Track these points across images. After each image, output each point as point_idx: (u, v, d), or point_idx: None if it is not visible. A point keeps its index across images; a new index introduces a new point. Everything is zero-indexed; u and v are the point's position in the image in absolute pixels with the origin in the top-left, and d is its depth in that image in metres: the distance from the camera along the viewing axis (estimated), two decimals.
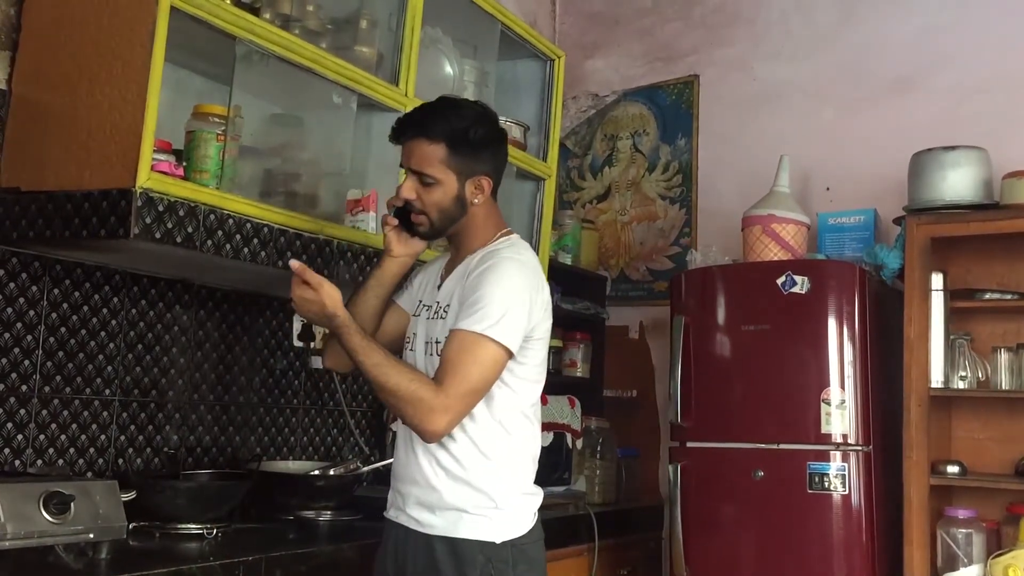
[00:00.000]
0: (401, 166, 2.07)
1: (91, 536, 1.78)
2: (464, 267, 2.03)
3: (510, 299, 1.92)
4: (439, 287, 2.09)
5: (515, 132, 3.14)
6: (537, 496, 2.05)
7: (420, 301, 2.13)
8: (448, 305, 2.00)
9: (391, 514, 2.06)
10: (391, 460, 2.81)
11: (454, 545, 1.92)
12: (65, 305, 2.34)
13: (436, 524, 1.95)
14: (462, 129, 1.98)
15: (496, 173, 2.07)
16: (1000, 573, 2.69)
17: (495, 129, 2.07)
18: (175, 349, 2.61)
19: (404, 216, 2.07)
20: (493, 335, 1.88)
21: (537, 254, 3.15)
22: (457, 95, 2.96)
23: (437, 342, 1.99)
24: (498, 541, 1.93)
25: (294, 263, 1.97)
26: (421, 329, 2.07)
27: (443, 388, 1.86)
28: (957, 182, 2.99)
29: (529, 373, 2.02)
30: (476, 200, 2.02)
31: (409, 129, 2.02)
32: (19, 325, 2.24)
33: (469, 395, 1.89)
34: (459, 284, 2.00)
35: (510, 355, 1.93)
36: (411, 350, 2.08)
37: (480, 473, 1.95)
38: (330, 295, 1.94)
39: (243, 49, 2.22)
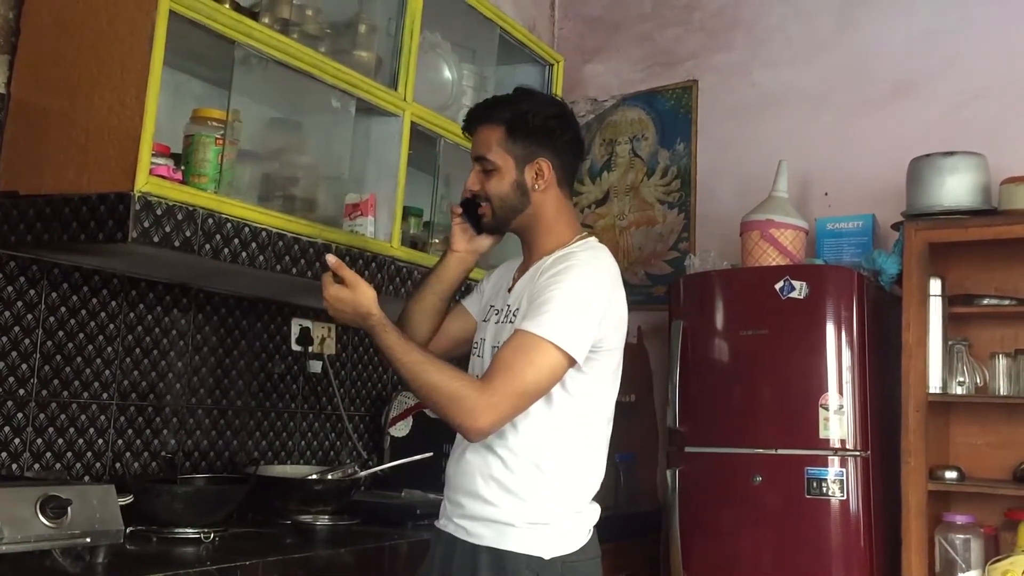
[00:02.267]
0: (472, 157, 2.02)
1: (88, 540, 1.78)
2: (536, 268, 1.94)
3: (579, 304, 1.83)
4: (510, 290, 2.00)
5: None
6: (594, 513, 1.94)
7: (491, 306, 2.05)
8: (518, 308, 1.91)
9: (440, 523, 1.98)
10: (389, 464, 2.83)
11: (500, 557, 1.83)
12: (63, 309, 2.34)
13: (484, 535, 1.86)
14: (522, 112, 1.94)
15: (560, 160, 1.97)
16: None
17: (561, 117, 1.99)
18: (173, 353, 2.60)
19: (472, 211, 2.02)
20: (555, 339, 1.78)
21: None
22: (457, 96, 2.98)
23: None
24: (547, 557, 1.83)
25: (331, 258, 1.89)
26: (490, 334, 1.98)
27: (490, 385, 1.77)
28: (955, 188, 2.99)
29: (594, 385, 1.91)
30: (537, 186, 1.95)
31: (474, 116, 2.01)
32: (17, 329, 2.24)
33: (518, 396, 1.79)
34: (529, 286, 1.90)
35: (572, 363, 1.83)
36: (479, 356, 2.00)
37: (532, 486, 1.85)
38: (365, 294, 1.86)
39: (242, 53, 2.23)
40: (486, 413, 1.76)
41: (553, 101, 2.07)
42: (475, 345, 2.05)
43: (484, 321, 2.05)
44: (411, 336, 1.98)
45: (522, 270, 2.02)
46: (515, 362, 1.78)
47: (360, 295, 1.87)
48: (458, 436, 1.94)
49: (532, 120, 1.94)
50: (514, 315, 1.91)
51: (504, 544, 1.84)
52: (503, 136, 1.94)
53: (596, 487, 1.94)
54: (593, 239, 2.00)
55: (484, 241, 2.09)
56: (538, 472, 1.85)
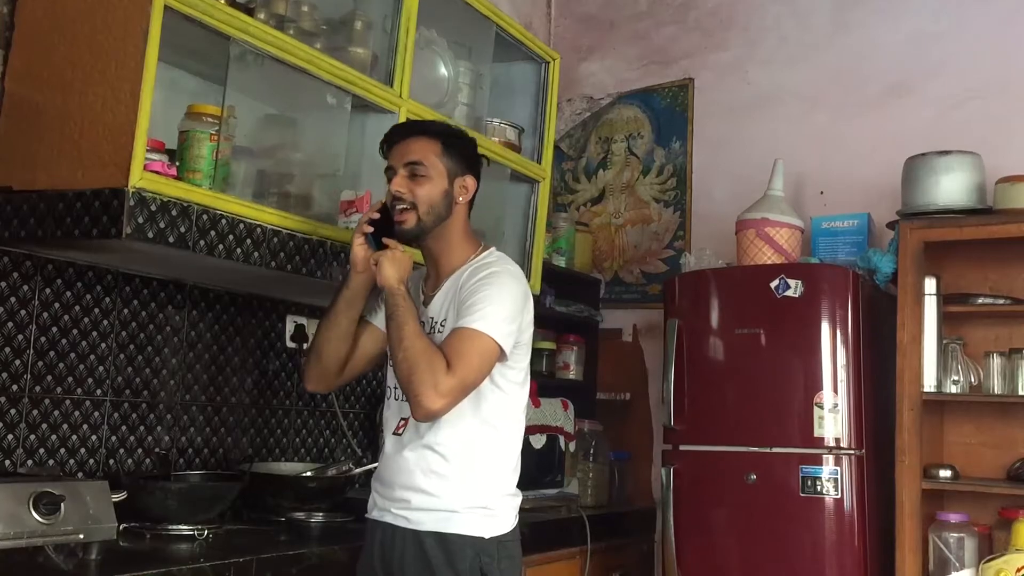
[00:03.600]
0: (388, 168, 2.13)
1: (81, 537, 1.78)
2: (454, 282, 2.09)
3: (507, 304, 2.01)
4: (425, 303, 2.13)
5: (509, 134, 3.14)
6: (519, 497, 2.12)
7: None
8: (444, 319, 2.06)
9: (375, 515, 2.10)
10: None
11: (445, 540, 1.98)
12: (56, 305, 2.33)
13: (426, 521, 2.00)
14: (456, 131, 2.16)
15: (476, 185, 2.16)
16: None
17: (476, 148, 2.21)
18: (167, 349, 2.60)
19: (379, 229, 2.09)
20: (492, 333, 1.97)
21: (531, 256, 3.21)
22: (453, 93, 2.97)
23: None
24: (487, 536, 2.00)
25: (389, 241, 2.06)
26: None
27: (452, 370, 1.92)
28: (950, 187, 3.00)
29: (517, 377, 2.10)
30: (461, 198, 2.12)
31: (406, 129, 2.16)
32: (10, 324, 2.23)
33: (468, 385, 1.96)
34: (453, 298, 2.06)
35: (502, 355, 2.01)
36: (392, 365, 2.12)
37: (471, 474, 2.01)
38: (409, 260, 2.05)
39: (237, 49, 2.22)
40: (441, 397, 1.91)
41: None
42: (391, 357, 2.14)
43: None
44: (329, 361, 2.17)
45: (434, 283, 2.15)
46: (467, 352, 1.95)
47: (408, 259, 2.06)
48: (391, 438, 2.08)
49: (461, 143, 2.15)
50: (442, 326, 2.06)
51: (448, 528, 1.98)
52: (440, 148, 2.10)
53: (518, 472, 2.12)
54: (494, 248, 2.18)
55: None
56: (474, 461, 2.02)
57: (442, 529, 1.98)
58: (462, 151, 2.13)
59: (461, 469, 2.00)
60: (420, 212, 2.07)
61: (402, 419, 2.09)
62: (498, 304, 1.99)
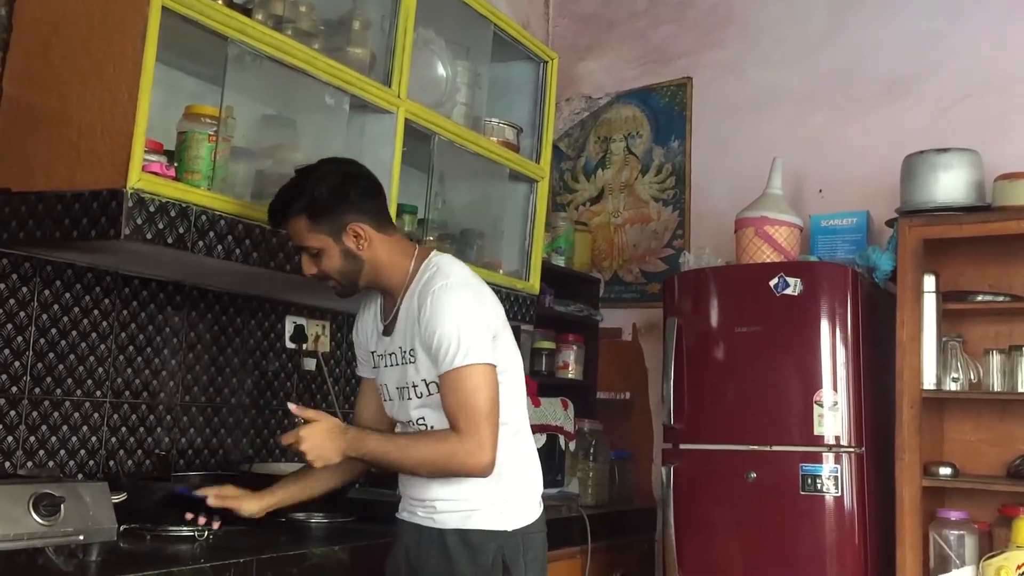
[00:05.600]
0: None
1: (81, 538, 1.77)
2: (407, 309, 2.04)
3: (463, 323, 1.95)
4: (386, 334, 2.11)
5: (508, 134, 3.14)
6: (540, 486, 2.12)
7: (373, 352, 2.16)
8: (412, 349, 2.03)
9: (403, 515, 2.12)
10: None
11: (467, 535, 1.99)
12: (56, 306, 2.33)
13: (450, 520, 2.01)
14: (308, 196, 2.01)
15: (364, 213, 2.05)
16: (992, 575, 2.69)
17: (342, 176, 2.06)
18: (166, 351, 2.60)
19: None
20: (473, 361, 1.94)
21: (530, 256, 3.21)
22: (451, 93, 2.97)
23: (414, 385, 2.03)
24: (509, 529, 2.01)
25: (292, 407, 1.98)
26: (391, 378, 2.10)
27: (463, 430, 1.92)
28: (949, 184, 3.00)
29: (508, 364, 2.07)
30: (362, 247, 2.04)
31: (274, 216, 2.08)
32: (9, 326, 2.23)
33: (489, 420, 1.94)
34: (412, 328, 2.02)
35: (494, 366, 1.99)
36: (388, 399, 2.13)
37: (495, 476, 1.99)
38: (330, 418, 1.97)
39: (235, 50, 2.22)
40: (478, 453, 1.92)
41: (328, 166, 2.08)
42: (380, 389, 2.16)
43: (375, 368, 2.16)
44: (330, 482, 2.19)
45: (389, 309, 2.11)
46: (465, 400, 1.93)
47: (327, 421, 1.96)
48: None
49: (320, 196, 2.01)
50: (412, 355, 2.02)
51: (470, 524, 2.00)
52: (308, 223, 2.02)
53: (536, 460, 2.13)
54: (434, 256, 2.09)
55: (257, 503, 2.13)
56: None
57: (464, 526, 1.99)
58: (327, 208, 2.01)
59: None
60: (337, 280, 2.06)
61: (399, 424, 2.12)
62: (454, 325, 1.94)
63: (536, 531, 2.07)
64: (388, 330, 2.11)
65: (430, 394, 2.01)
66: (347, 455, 1.97)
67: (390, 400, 2.12)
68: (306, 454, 1.94)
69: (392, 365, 2.09)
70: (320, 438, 1.94)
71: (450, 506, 2.01)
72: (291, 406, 1.98)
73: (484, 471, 1.94)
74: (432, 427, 2.02)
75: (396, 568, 2.10)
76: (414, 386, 2.04)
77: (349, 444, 1.96)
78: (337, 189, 2.03)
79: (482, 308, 2.03)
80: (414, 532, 2.07)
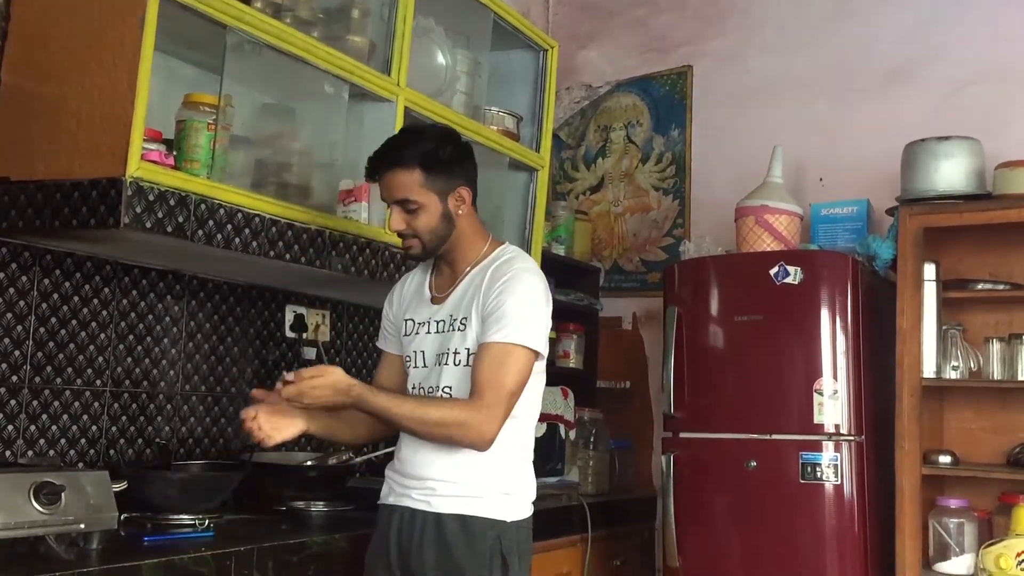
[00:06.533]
0: (383, 200, 2.11)
1: (82, 526, 1.78)
2: (472, 280, 2.08)
3: (535, 306, 2.03)
4: (436, 301, 2.13)
5: (508, 123, 3.13)
6: (534, 481, 2.14)
7: (411, 320, 2.17)
8: (465, 317, 2.05)
9: (391, 500, 2.10)
10: (384, 451, 2.83)
11: (466, 522, 1.99)
12: (55, 295, 2.33)
13: (450, 505, 2.01)
14: (432, 150, 2.05)
15: (471, 183, 2.12)
16: (992, 563, 2.70)
17: (461, 144, 2.13)
18: (166, 340, 2.60)
19: None
20: (523, 342, 1.98)
21: (530, 245, 3.21)
22: (451, 82, 2.97)
23: (456, 352, 2.05)
24: (508, 520, 2.02)
25: (286, 375, 1.96)
26: (429, 345, 2.11)
27: (482, 400, 1.95)
28: (950, 172, 2.99)
29: (540, 367, 2.10)
30: (460, 211, 2.08)
31: (382, 163, 2.07)
32: (9, 315, 2.23)
33: (508, 400, 1.98)
34: (473, 297, 2.05)
35: (536, 356, 2.03)
36: (415, 366, 2.13)
37: (494, 461, 2.01)
38: (335, 371, 1.96)
39: (234, 38, 2.21)
40: (488, 425, 1.95)
41: (450, 132, 2.16)
42: (408, 359, 2.16)
43: (407, 335, 2.17)
44: (382, 432, 2.20)
45: (449, 281, 2.13)
46: (497, 373, 1.96)
47: (331, 374, 1.95)
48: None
49: (443, 155, 2.06)
50: (463, 323, 2.05)
51: (471, 511, 2.00)
52: (421, 176, 2.04)
53: (532, 456, 2.16)
54: (507, 244, 2.16)
55: (293, 427, 2.06)
56: (496, 448, 2.00)
57: (465, 512, 1.99)
58: (446, 167, 2.06)
59: (484, 456, 1.99)
60: (424, 240, 2.07)
61: (420, 391, 2.11)
62: (525, 308, 2.00)
63: (527, 525, 2.08)
64: (439, 300, 2.13)
65: (467, 364, 2.03)
66: (346, 404, 1.97)
67: (422, 367, 2.11)
68: (307, 400, 1.94)
69: (434, 332, 2.10)
70: (321, 387, 1.93)
71: (450, 489, 2.00)
72: (286, 375, 1.95)
73: (484, 445, 1.96)
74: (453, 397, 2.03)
75: (381, 554, 2.07)
76: (455, 353, 2.05)
77: (352, 395, 1.95)
78: (458, 151, 2.10)
79: (549, 306, 2.08)
80: (406, 516, 2.04)
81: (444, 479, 2.01)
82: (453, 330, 2.06)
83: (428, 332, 2.12)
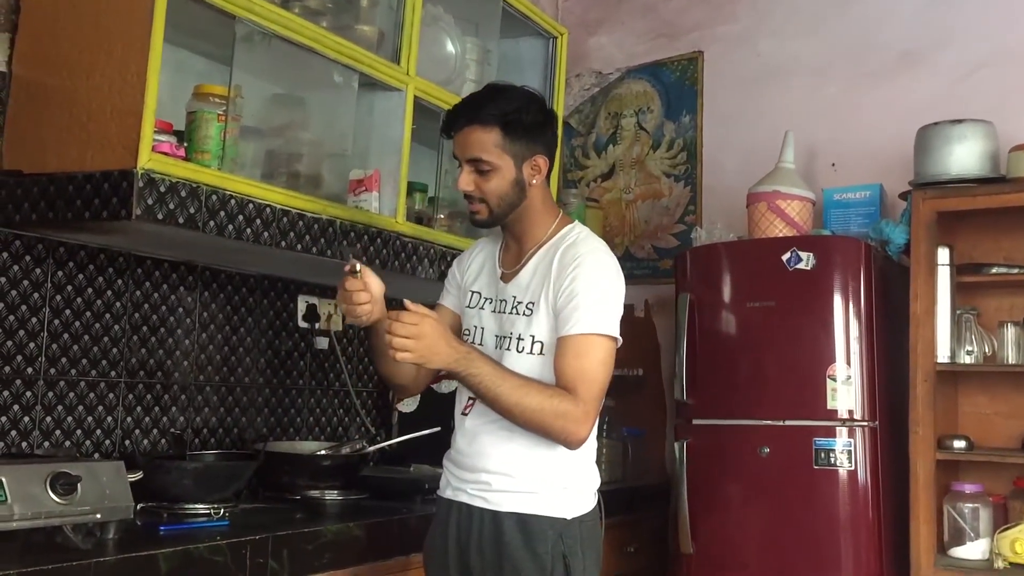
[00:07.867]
0: (455, 157, 2.01)
1: (98, 516, 1.79)
2: (539, 262, 1.99)
3: (609, 293, 1.93)
4: (504, 279, 2.04)
5: None
6: (597, 472, 2.06)
7: (477, 293, 2.08)
8: (532, 302, 1.96)
9: (448, 493, 2.03)
10: (397, 439, 2.84)
11: (525, 521, 1.91)
12: (69, 287, 2.34)
13: (507, 502, 1.92)
14: (514, 111, 1.94)
15: (550, 153, 2.02)
16: (1007, 547, 2.69)
17: (546, 110, 2.03)
18: (180, 330, 2.61)
19: None
20: (605, 331, 1.90)
21: None
22: (460, 70, 2.96)
23: (519, 338, 1.96)
24: (569, 517, 1.93)
25: (408, 303, 1.81)
26: (490, 323, 2.03)
27: (580, 396, 1.86)
28: (963, 156, 2.97)
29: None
30: (534, 181, 1.98)
31: (460, 119, 1.97)
32: (23, 307, 2.25)
33: (600, 394, 1.90)
34: (542, 282, 1.95)
35: (616, 342, 1.94)
36: (472, 342, 2.03)
37: (550, 453, 1.92)
38: (443, 324, 1.84)
39: (244, 29, 2.21)
40: (585, 423, 1.87)
41: (535, 95, 2.03)
42: (467, 332, 2.07)
43: (471, 307, 2.07)
44: (410, 379, 2.11)
45: (516, 258, 2.04)
46: (588, 368, 1.88)
47: (439, 323, 1.83)
48: (461, 418, 2.02)
49: (526, 118, 1.95)
50: (528, 308, 1.96)
51: (529, 509, 1.91)
52: (500, 137, 1.94)
53: (595, 447, 2.04)
54: (576, 223, 2.05)
55: (375, 287, 1.95)
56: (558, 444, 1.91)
57: (522, 510, 1.91)
58: (527, 131, 1.95)
59: (538, 448, 1.91)
60: (491, 205, 1.97)
61: (469, 399, 2.00)
62: (600, 293, 1.90)
63: (592, 519, 1.99)
64: (508, 277, 2.03)
65: (531, 352, 1.94)
66: (450, 367, 1.84)
67: (479, 344, 2.01)
68: (410, 351, 1.78)
69: (498, 312, 2.01)
70: (434, 338, 1.79)
71: (505, 484, 1.92)
72: (409, 303, 1.80)
73: (579, 443, 1.89)
74: None
75: (439, 547, 2.01)
76: (519, 339, 1.95)
77: (460, 355, 1.83)
78: (539, 116, 1.99)
79: (622, 290, 1.98)
80: (463, 512, 1.97)
81: (499, 471, 1.93)
82: (518, 313, 1.97)
83: (492, 311, 2.02)
